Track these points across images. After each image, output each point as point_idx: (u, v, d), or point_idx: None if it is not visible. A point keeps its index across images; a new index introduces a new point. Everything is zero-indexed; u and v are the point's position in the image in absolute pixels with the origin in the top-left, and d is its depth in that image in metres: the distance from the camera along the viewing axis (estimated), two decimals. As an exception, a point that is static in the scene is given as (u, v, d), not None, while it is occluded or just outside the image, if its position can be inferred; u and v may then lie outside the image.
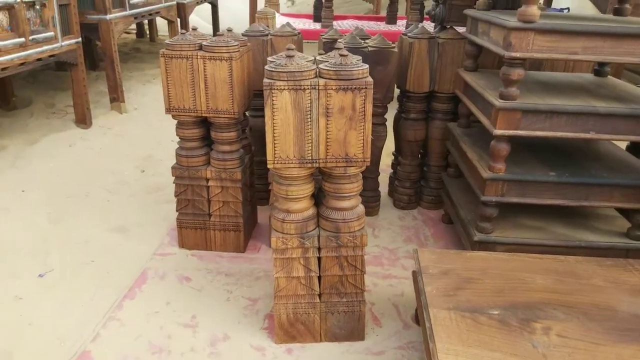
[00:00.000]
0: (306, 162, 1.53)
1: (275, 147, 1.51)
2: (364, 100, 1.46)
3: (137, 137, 3.85)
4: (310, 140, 1.51)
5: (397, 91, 2.59)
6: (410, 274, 2.12)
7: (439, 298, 1.54)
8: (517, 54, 1.73)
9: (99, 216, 2.61)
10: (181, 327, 1.81)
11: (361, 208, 1.66)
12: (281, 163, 1.53)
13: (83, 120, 4.00)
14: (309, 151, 1.52)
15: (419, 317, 1.76)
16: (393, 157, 2.85)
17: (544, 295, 1.58)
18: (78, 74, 3.91)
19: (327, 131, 1.50)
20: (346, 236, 1.62)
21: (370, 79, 1.47)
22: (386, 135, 2.53)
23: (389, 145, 2.73)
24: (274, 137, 1.50)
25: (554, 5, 4.46)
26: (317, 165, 1.54)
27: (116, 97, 4.36)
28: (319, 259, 1.66)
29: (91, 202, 2.78)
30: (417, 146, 2.64)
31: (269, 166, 1.54)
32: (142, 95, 4.87)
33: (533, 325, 1.44)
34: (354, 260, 1.66)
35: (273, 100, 1.46)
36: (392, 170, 2.87)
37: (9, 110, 4.21)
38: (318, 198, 1.70)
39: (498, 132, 1.81)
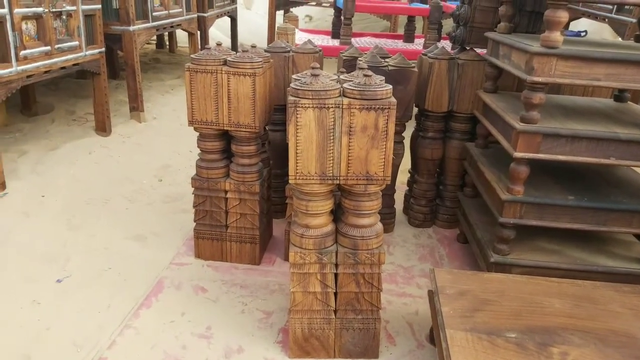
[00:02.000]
0: (327, 179, 1.55)
1: (297, 162, 1.53)
2: (387, 120, 1.48)
3: (156, 146, 3.91)
4: (332, 158, 1.53)
5: (415, 110, 2.61)
6: (425, 293, 2.12)
7: (455, 319, 1.54)
8: (540, 79, 1.74)
9: (118, 223, 2.64)
10: (196, 338, 1.83)
11: (380, 226, 1.67)
12: (303, 179, 1.55)
13: (103, 128, 4.07)
14: (330, 168, 1.54)
15: (434, 337, 1.76)
16: (409, 175, 2.86)
17: (561, 319, 1.57)
18: (100, 82, 3.99)
19: (349, 149, 1.52)
20: (364, 253, 1.63)
21: (393, 100, 1.49)
22: (403, 153, 2.55)
23: (406, 162, 2.75)
24: (297, 153, 1.52)
25: (571, 28, 4.47)
26: (338, 182, 1.56)
27: (136, 107, 4.43)
28: (336, 275, 1.67)
29: (110, 209, 2.81)
30: (434, 165, 2.65)
31: (290, 181, 1.56)
32: (161, 106, 4.95)
33: (550, 350, 1.43)
34: (370, 278, 1.66)
35: (297, 117, 1.48)
36: (407, 188, 2.87)
37: (31, 116, 4.30)
38: (337, 215, 1.72)
39: (518, 154, 1.81)
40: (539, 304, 1.63)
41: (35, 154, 3.54)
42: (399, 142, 2.47)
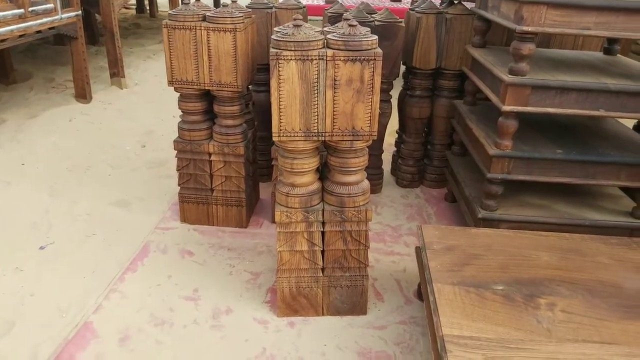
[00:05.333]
0: (312, 135, 1.51)
1: (280, 119, 1.48)
2: (373, 72, 1.44)
3: (138, 112, 3.82)
4: (316, 113, 1.48)
5: (402, 68, 2.56)
6: (413, 251, 2.12)
7: (443, 273, 1.53)
8: (529, 28, 1.69)
9: (101, 190, 2.59)
10: (183, 300, 1.81)
11: (366, 183, 1.64)
12: (286, 136, 1.51)
13: (83, 95, 3.96)
14: (315, 124, 1.50)
15: (421, 293, 1.76)
16: (397, 135, 2.82)
17: (549, 271, 1.57)
18: (78, 47, 3.86)
19: (334, 104, 1.47)
20: (351, 211, 1.60)
21: (379, 50, 1.43)
22: (391, 112, 2.50)
23: (393, 123, 2.70)
24: (280, 109, 1.47)
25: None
26: (323, 138, 1.52)
27: (116, 72, 4.31)
28: (323, 233, 1.64)
29: (92, 176, 2.76)
30: (422, 124, 2.61)
31: (274, 139, 1.51)
32: (143, 71, 4.82)
33: (537, 301, 1.44)
34: (357, 235, 1.64)
35: (280, 70, 1.43)
36: (395, 149, 2.84)
37: (9, 85, 4.17)
38: (323, 172, 1.69)
39: (507, 108, 1.78)
40: (526, 257, 1.63)
41: (14, 122, 3.45)
42: (386, 100, 2.42)
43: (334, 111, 1.48)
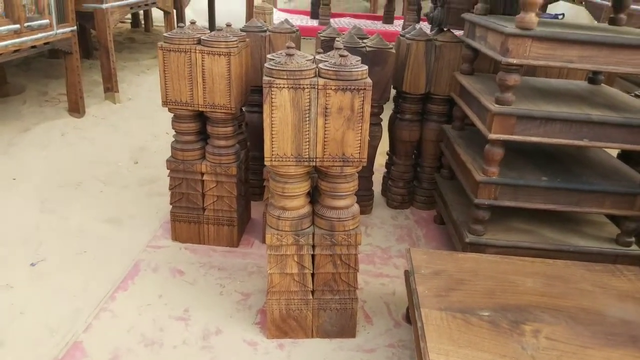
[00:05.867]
0: (303, 161, 1.54)
1: (273, 144, 1.52)
2: (363, 101, 1.48)
3: (131, 128, 3.84)
4: (308, 139, 1.52)
5: (393, 92, 2.61)
6: (402, 274, 2.15)
7: (430, 298, 1.56)
8: (514, 60, 1.75)
9: (92, 206, 2.60)
10: (173, 320, 1.82)
11: (356, 207, 1.67)
12: (278, 160, 1.54)
13: (76, 109, 3.97)
14: (307, 150, 1.53)
15: (410, 316, 1.78)
16: (387, 157, 2.86)
17: (533, 297, 1.60)
18: (72, 62, 3.89)
19: (325, 130, 1.51)
20: (341, 235, 1.63)
21: (369, 81, 1.48)
22: (381, 135, 2.55)
23: (384, 145, 2.75)
24: (272, 134, 1.51)
25: (549, 11, 4.49)
26: (314, 164, 1.55)
27: (110, 87, 4.33)
28: (313, 256, 1.67)
29: (84, 192, 2.77)
30: (412, 147, 2.66)
31: (266, 163, 1.55)
32: (137, 86, 4.85)
33: (522, 328, 1.47)
34: (347, 259, 1.67)
35: (272, 98, 1.47)
36: (385, 170, 2.89)
37: (2, 97, 4.17)
38: (314, 196, 1.72)
39: (493, 136, 1.83)
40: (512, 283, 1.67)
41: (6, 135, 3.45)
42: (376, 124, 2.47)
43: (324, 138, 1.52)
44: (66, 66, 3.90)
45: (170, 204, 2.25)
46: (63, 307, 1.86)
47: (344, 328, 1.77)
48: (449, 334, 1.42)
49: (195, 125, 2.15)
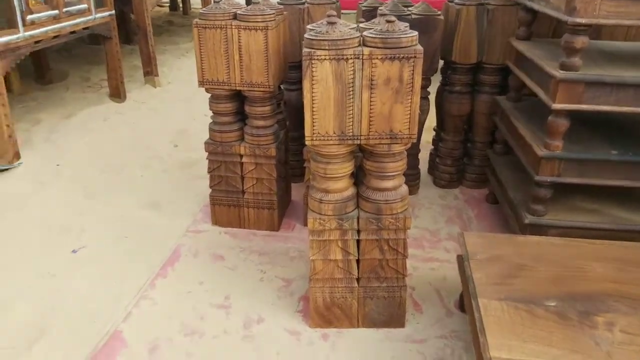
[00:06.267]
0: (347, 139, 1.42)
1: (314, 122, 1.40)
2: (413, 70, 1.33)
3: (171, 111, 3.81)
4: (351, 115, 1.39)
5: (440, 63, 2.43)
6: (453, 257, 2.01)
7: (489, 287, 1.42)
8: (582, 20, 1.55)
9: (133, 191, 2.57)
10: (214, 308, 1.76)
11: (404, 189, 1.54)
12: (320, 139, 1.42)
13: (117, 94, 3.98)
14: (350, 127, 1.41)
15: (464, 305, 1.65)
16: (434, 133, 2.70)
17: (605, 285, 1.44)
18: (112, 47, 3.87)
19: (371, 105, 1.38)
20: (388, 218, 1.51)
21: (420, 48, 1.33)
22: (429, 109, 2.39)
23: (431, 119, 2.58)
24: (313, 111, 1.39)
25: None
26: (359, 142, 1.43)
27: (150, 71, 4.32)
28: (358, 241, 1.56)
29: (125, 177, 2.75)
30: (461, 121, 2.48)
31: (306, 143, 1.43)
32: (177, 70, 4.82)
33: (594, 319, 1.31)
34: (395, 244, 1.55)
35: (313, 71, 1.34)
36: (433, 147, 2.72)
37: (45, 84, 4.23)
38: (358, 177, 1.60)
39: (558, 106, 1.65)
40: (580, 269, 1.50)
41: (49, 122, 3.48)
42: (424, 97, 2.31)
43: (370, 113, 1.39)
44: (106, 51, 3.90)
45: (210, 187, 2.19)
46: (103, 295, 1.83)
47: (392, 317, 1.65)
48: (511, 327, 1.28)
49: (233, 105, 2.06)
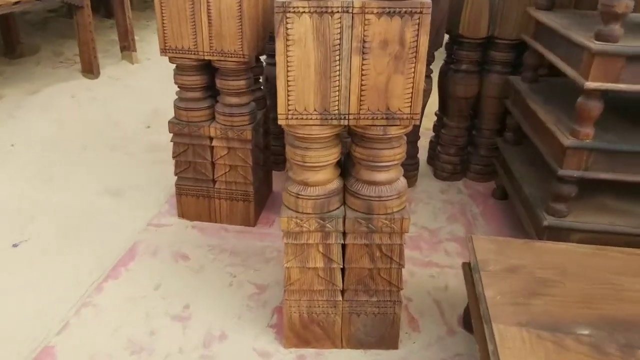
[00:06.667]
0: (331, 118, 1.12)
1: (289, 96, 1.10)
2: (418, 29, 1.03)
3: (147, 89, 3.48)
4: (337, 88, 1.09)
5: (445, 37, 2.13)
6: (456, 262, 1.73)
7: (505, 307, 1.13)
8: (629, -24, 1.25)
9: (93, 176, 2.27)
10: (170, 320, 1.47)
11: (402, 183, 1.24)
12: (297, 118, 1.12)
13: (90, 69, 3.65)
14: (336, 103, 1.10)
15: (470, 322, 1.37)
16: (436, 118, 2.40)
17: (648, 308, 1.16)
18: (84, 17, 3.53)
19: (363, 75, 1.08)
20: (381, 219, 1.21)
21: (428, 0, 1.03)
22: (431, 89, 2.08)
23: (432, 103, 2.28)
24: (288, 81, 1.08)
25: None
26: (347, 122, 1.13)
27: (127, 46, 3.98)
28: (344, 246, 1.26)
29: (87, 159, 2.44)
30: (467, 105, 2.18)
31: (280, 122, 1.13)
32: (157, 45, 4.48)
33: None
34: (389, 250, 1.26)
35: (288, 28, 1.04)
36: (433, 134, 2.43)
37: (15, 58, 3.89)
38: (346, 167, 1.30)
39: (591, 85, 1.35)
40: (616, 286, 1.22)
41: (13, 98, 3.16)
42: (426, 75, 2.00)
43: (361, 85, 1.09)
44: (77, 22, 3.55)
45: (175, 174, 1.88)
46: (39, 300, 1.53)
47: (383, 337, 1.37)
48: (536, 364, 1.00)
49: (202, 78, 1.75)
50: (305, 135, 1.14)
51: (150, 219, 1.94)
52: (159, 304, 1.52)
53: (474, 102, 2.18)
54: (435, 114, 2.40)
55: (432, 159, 2.39)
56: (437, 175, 2.32)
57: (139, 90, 3.45)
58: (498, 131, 2.20)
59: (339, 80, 1.08)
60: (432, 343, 1.41)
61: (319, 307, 1.32)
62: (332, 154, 1.18)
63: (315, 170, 1.19)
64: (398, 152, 1.18)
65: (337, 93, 1.09)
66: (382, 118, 1.12)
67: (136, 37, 4.15)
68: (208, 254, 1.75)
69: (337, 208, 1.24)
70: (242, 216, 1.90)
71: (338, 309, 1.32)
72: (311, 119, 1.12)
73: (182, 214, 1.94)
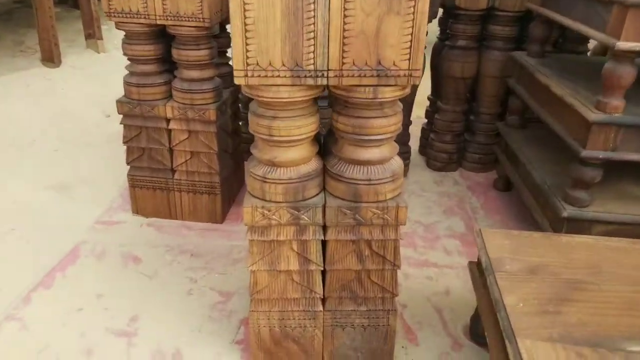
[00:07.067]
0: (305, 76, 0.86)
1: (247, 45, 0.83)
2: (418, -51, 0.78)
3: (111, 78, 3.17)
4: (312, 34, 0.83)
5: (440, 11, 1.89)
6: (455, 261, 1.49)
7: (531, 319, 0.89)
8: None
9: (40, 170, 1.98)
10: (112, 336, 1.19)
11: (397, 163, 0.99)
12: (259, 76, 0.86)
13: (50, 58, 3.35)
14: (311, 55, 0.85)
15: (481, 334, 1.12)
16: (429, 104, 2.16)
17: None
18: (43, 3, 3.23)
19: (345, 16, 0.82)
20: (371, 208, 0.96)
21: None
22: (424, 68, 1.84)
23: (423, 89, 2.03)
24: (246, 25, 0.82)
25: None
26: (325, 81, 0.87)
27: (92, 34, 3.69)
28: (324, 243, 1.00)
29: (36, 151, 2.15)
30: (465, 85, 1.94)
31: (236, 81, 0.87)
32: (127, 34, 4.19)
33: None
34: (381, 248, 1.00)
35: (245, -49, 0.78)
36: (426, 121, 2.18)
37: (-29, 48, 3.57)
38: (326, 144, 1.04)
39: (624, 45, 1.11)
40: (663, 289, 0.98)
41: (-38, 87, 2.85)
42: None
43: (344, 30, 0.83)
44: (36, 7, 3.25)
45: (127, 163, 1.61)
46: (-47, 314, 1.25)
47: (375, 354, 1.11)
48: (580, 395, 0.75)
49: (155, 48, 1.48)
50: (271, 100, 0.88)
51: (99, 216, 1.66)
52: (100, 316, 1.25)
53: (472, 82, 1.94)
54: (428, 98, 2.16)
55: (424, 148, 2.15)
56: (431, 165, 2.07)
57: (103, 80, 3.16)
58: (499, 116, 1.97)
59: (314, 24, 0.82)
60: (434, 359, 1.16)
61: (295, 319, 1.06)
62: (307, 125, 0.92)
63: (286, 146, 0.92)
64: (392, 123, 0.92)
65: (311, 42, 0.84)
66: (371, 76, 0.86)
67: (104, 26, 3.86)
68: (165, 255, 1.48)
69: (316, 195, 0.98)
70: (206, 212, 1.63)
71: (318, 321, 1.06)
72: (279, 77, 0.86)
73: (137, 209, 1.66)
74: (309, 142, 0.96)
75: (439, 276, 1.44)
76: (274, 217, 0.95)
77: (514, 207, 1.78)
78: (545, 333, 0.86)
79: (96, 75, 3.25)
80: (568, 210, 1.30)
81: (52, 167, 2.01)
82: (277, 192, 0.94)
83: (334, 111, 0.95)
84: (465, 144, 2.05)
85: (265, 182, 0.94)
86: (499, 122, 1.89)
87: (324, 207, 0.96)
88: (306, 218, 0.96)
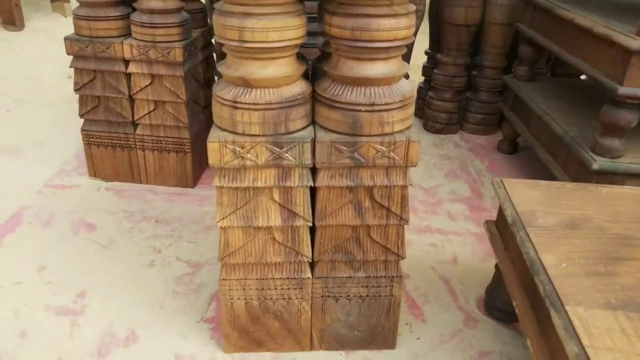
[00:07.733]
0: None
1: None
2: None
3: (77, 41, 2.92)
4: None
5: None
6: (461, 228, 1.30)
7: (580, 281, 0.69)
8: None
9: (-13, 131, 1.74)
10: (52, 315, 0.97)
11: (407, 86, 0.78)
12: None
13: (11, 21, 3.07)
14: None
15: (498, 307, 0.92)
16: (426, 59, 1.95)
17: None
18: (1, -43, 2.94)
19: None
20: (374, 144, 0.75)
21: None
22: (423, 13, 1.63)
23: (419, 44, 1.83)
24: None
25: None
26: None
27: (58, -5, 3.40)
28: (314, 191, 0.79)
29: (-17, 113, 1.90)
30: (467, 35, 1.73)
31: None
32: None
33: None
34: (386, 197, 0.79)
35: None
36: (423, 79, 1.98)
37: None
38: (315, 72, 0.83)
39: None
40: None
41: None
42: (417, -10, 1.54)
43: None
44: (-7, -36, 2.96)
45: (80, 116, 1.37)
46: None
47: (375, 333, 0.91)
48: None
49: (111, -25, 1.24)
50: (244, -4, 0.66)
51: (49, 179, 1.43)
52: (40, 292, 1.03)
53: (476, 31, 1.74)
54: (425, 53, 1.95)
55: (421, 109, 1.94)
56: (429, 128, 1.87)
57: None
58: (503, 71, 1.77)
59: None
60: (445, 339, 0.96)
61: (276, 289, 0.85)
62: (290, 29, 0.70)
63: (263, 57, 0.71)
64: (404, 25, 0.71)
65: None
66: (376, -39, 0.64)
67: (71, -12, 3.57)
68: (123, 222, 1.26)
69: (303, 128, 0.76)
70: (175, 174, 1.41)
71: (306, 291, 0.85)
72: (253, -39, 0.64)
73: (95, 172, 1.43)
74: (294, 56, 0.75)
75: (444, 243, 1.25)
76: (248, 155, 0.74)
77: (523, 169, 1.59)
78: (601, 298, 0.66)
79: (60, 38, 2.96)
80: (599, 162, 1.10)
81: (3, 129, 1.76)
82: (252, 122, 0.73)
83: (326, 13, 0.73)
84: (467, 104, 1.84)
85: (236, 108, 0.72)
86: (507, 76, 1.68)
87: (314, 142, 0.75)
88: (290, 157, 0.75)
